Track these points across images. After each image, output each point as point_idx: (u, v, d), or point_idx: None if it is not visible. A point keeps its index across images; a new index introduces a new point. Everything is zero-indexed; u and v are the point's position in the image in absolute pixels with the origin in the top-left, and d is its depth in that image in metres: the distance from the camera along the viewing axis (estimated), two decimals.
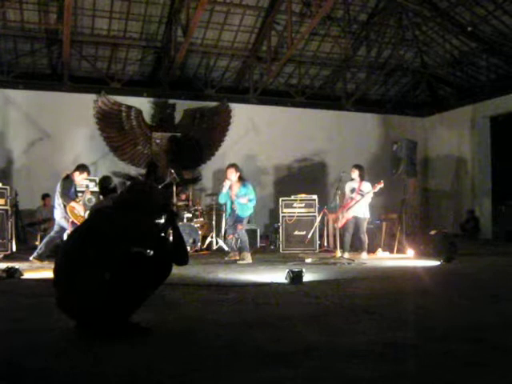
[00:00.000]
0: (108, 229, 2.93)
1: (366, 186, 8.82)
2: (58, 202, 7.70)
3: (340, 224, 8.89)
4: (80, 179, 7.94)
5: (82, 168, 7.89)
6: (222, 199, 8.49)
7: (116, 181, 12.22)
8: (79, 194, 8.06)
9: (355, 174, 8.90)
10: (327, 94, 15.35)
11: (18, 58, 12.65)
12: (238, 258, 8.10)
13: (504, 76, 13.73)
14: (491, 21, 12.42)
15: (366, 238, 8.81)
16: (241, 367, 2.34)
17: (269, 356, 2.51)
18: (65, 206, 7.56)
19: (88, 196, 8.62)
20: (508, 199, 13.35)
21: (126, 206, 3.06)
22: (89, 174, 8.14)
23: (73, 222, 7.40)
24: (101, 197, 7.57)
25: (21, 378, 2.24)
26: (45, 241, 7.79)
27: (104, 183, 7.04)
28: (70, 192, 7.61)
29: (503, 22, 12.29)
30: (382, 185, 8.64)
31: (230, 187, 8.12)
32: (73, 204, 7.54)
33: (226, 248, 9.84)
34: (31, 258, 7.55)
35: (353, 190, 8.85)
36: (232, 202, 8.21)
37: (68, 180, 7.71)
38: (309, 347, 2.67)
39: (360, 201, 8.69)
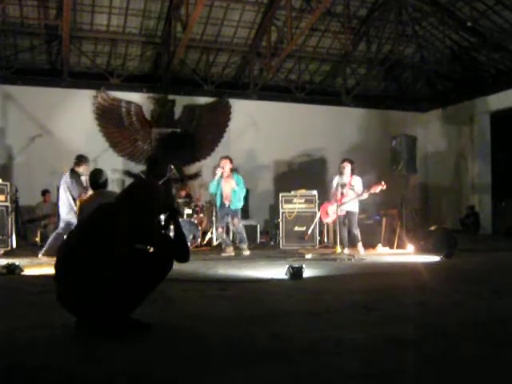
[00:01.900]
0: (108, 225, 2.93)
1: (357, 181, 8.73)
2: (63, 198, 7.53)
3: (331, 219, 8.88)
4: (84, 171, 7.73)
5: (83, 159, 7.66)
6: (213, 188, 8.72)
7: (116, 177, 12.28)
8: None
9: (348, 167, 8.80)
10: (327, 89, 15.30)
11: (17, 54, 12.60)
12: (233, 253, 8.43)
13: (504, 71, 13.70)
14: (491, 16, 12.38)
15: (358, 232, 8.73)
16: (241, 363, 2.35)
17: (269, 352, 2.52)
18: (74, 200, 7.39)
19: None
20: (508, 195, 13.35)
21: (127, 203, 3.06)
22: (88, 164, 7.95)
23: None
24: (90, 191, 7.29)
25: (21, 375, 2.24)
26: (52, 237, 7.64)
27: (94, 178, 6.54)
28: (81, 185, 7.44)
29: (503, 17, 12.25)
30: (383, 187, 8.34)
31: (222, 175, 8.51)
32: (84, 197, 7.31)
33: (216, 241, 9.99)
34: (40, 255, 7.46)
35: (343, 185, 8.62)
36: (222, 196, 8.55)
37: (76, 174, 7.52)
38: (309, 343, 2.68)
39: (354, 199, 8.61)
